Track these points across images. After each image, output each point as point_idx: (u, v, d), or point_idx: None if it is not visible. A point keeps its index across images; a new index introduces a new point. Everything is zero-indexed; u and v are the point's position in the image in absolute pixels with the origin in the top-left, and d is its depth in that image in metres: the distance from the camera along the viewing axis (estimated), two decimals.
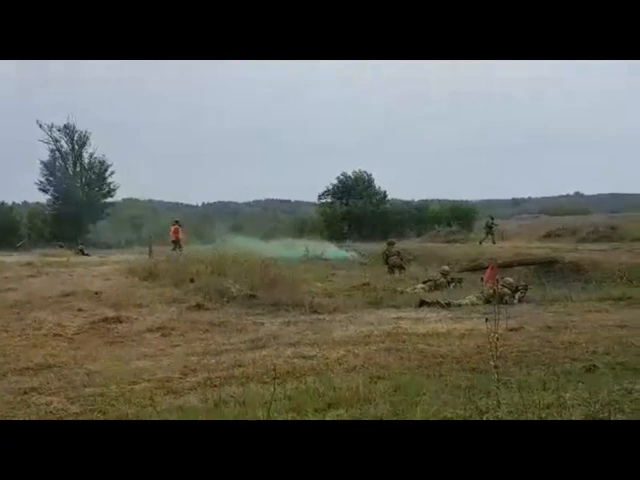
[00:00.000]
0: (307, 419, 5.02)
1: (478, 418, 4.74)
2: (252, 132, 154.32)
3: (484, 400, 5.25)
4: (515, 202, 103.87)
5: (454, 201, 55.74)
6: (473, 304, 12.53)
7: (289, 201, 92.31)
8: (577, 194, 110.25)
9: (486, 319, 5.77)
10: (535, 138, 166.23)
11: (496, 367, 5.10)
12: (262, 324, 10.45)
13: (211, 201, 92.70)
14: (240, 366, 7.25)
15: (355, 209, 49.77)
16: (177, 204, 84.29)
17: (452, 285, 16.76)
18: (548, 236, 34.29)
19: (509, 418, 4.66)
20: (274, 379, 6.50)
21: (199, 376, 6.85)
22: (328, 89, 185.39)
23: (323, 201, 55.69)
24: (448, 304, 12.50)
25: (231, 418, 5.03)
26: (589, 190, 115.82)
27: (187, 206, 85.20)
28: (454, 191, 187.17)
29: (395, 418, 4.88)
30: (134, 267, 18.82)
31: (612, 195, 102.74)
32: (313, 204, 60.23)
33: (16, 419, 5.41)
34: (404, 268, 21.67)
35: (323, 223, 49.75)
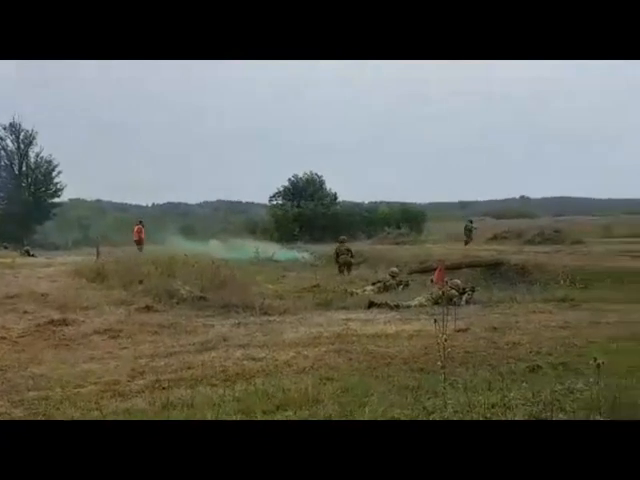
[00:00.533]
0: (256, 419, 5.00)
1: (425, 418, 4.79)
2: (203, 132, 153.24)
3: (431, 400, 5.31)
4: (463, 205, 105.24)
5: (403, 203, 56.17)
6: (421, 305, 12.66)
7: (240, 202, 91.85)
8: (523, 198, 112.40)
9: (434, 320, 5.84)
10: (484, 142, 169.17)
11: (443, 368, 5.17)
12: (212, 326, 10.37)
13: (161, 202, 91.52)
14: (189, 368, 7.18)
15: (306, 211, 49.80)
16: (126, 205, 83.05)
17: (400, 287, 16.94)
18: (495, 238, 34.85)
19: (455, 418, 4.72)
20: (223, 381, 6.48)
21: (147, 379, 6.76)
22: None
23: (274, 203, 55.64)
24: (397, 305, 12.60)
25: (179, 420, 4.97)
26: (535, 194, 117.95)
27: (136, 207, 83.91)
28: (403, 194, 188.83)
29: (343, 419, 4.89)
30: (81, 268, 18.49)
31: (557, 199, 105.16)
32: (264, 205, 60.11)
33: (16, 419, 5.32)
34: (352, 264, 21.84)
35: (274, 225, 49.65)
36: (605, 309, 11.60)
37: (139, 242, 26.81)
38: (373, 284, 16.82)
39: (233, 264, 18.71)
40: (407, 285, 17.20)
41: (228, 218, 53.99)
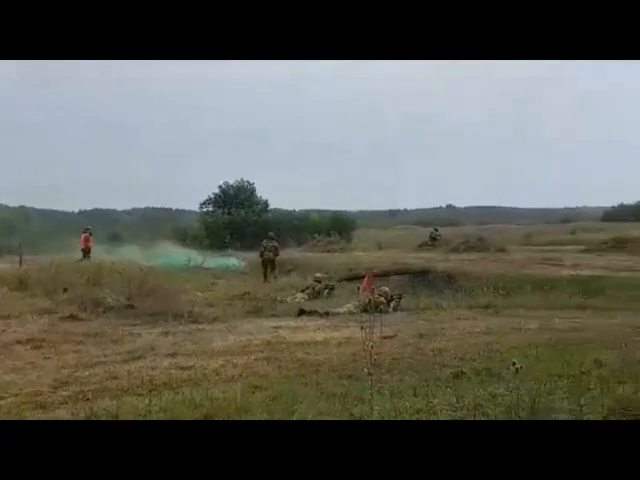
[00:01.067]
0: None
1: None
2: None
3: (358, 407, 5.33)
4: (392, 213, 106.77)
5: (334, 212, 56.48)
6: (350, 313, 12.73)
7: (170, 209, 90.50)
8: (449, 206, 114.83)
9: (361, 327, 5.88)
10: (413, 151, 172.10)
11: (370, 374, 5.20)
12: (139, 335, 10.17)
13: (88, 208, 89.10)
14: (114, 378, 7.01)
15: (237, 218, 49.45)
16: (52, 211, 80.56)
17: (325, 292, 17.12)
18: (422, 246, 35.43)
19: None
20: (150, 391, 6.36)
21: (70, 389, 6.57)
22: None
23: (205, 210, 55.07)
24: (326, 313, 12.66)
25: None
26: (460, 203, 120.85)
27: (62, 213, 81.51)
28: (333, 202, 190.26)
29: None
30: (3, 276, 17.79)
31: (481, 208, 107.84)
32: (194, 212, 59.39)
33: (16, 419, 5.19)
34: (275, 263, 21.87)
35: (204, 232, 49.11)
36: (526, 315, 11.94)
37: (85, 250, 26.06)
38: (302, 291, 16.93)
39: (162, 272, 18.46)
40: (332, 288, 17.46)
41: (158, 225, 53.07)
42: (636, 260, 21.40)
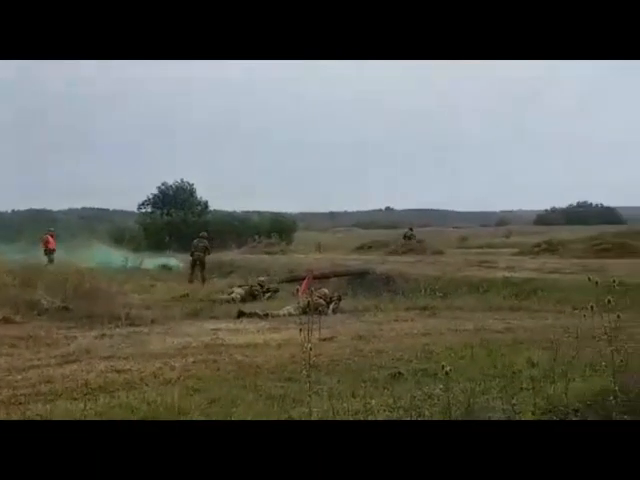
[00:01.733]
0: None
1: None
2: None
3: (297, 409, 5.35)
4: (332, 215, 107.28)
5: (274, 213, 56.44)
6: (290, 315, 12.73)
7: (107, 210, 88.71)
8: (388, 209, 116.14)
9: (300, 329, 5.88)
10: (355, 154, 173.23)
11: (308, 376, 5.20)
12: (74, 338, 9.95)
13: (22, 208, 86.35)
14: (48, 382, 6.84)
15: (176, 219, 48.83)
16: None
17: (267, 295, 17.12)
18: (361, 248, 35.65)
19: None
20: (84, 395, 6.22)
21: (2, 394, 6.38)
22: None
23: (143, 211, 54.23)
24: (266, 315, 12.64)
25: None
26: (399, 205, 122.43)
27: None
28: (275, 203, 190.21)
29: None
30: None
31: (418, 211, 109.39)
32: (133, 213, 58.42)
33: (16, 419, 5.07)
34: (205, 263, 21.75)
35: (142, 233, 48.33)
36: (462, 317, 12.18)
37: (49, 252, 25.33)
38: (239, 286, 16.93)
39: (99, 273, 18.08)
40: (276, 291, 17.50)
41: (95, 226, 51.98)
42: (566, 263, 22.01)
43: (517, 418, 4.60)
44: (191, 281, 21.24)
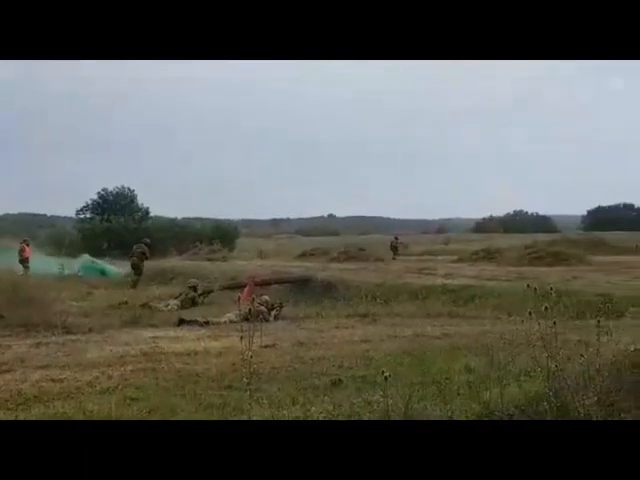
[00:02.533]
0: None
1: None
2: None
3: (237, 417, 5.31)
4: (274, 222, 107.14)
5: (216, 220, 55.96)
6: (231, 322, 12.63)
7: (45, 215, 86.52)
8: (331, 216, 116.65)
9: (241, 337, 5.84)
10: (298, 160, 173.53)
11: (249, 384, 5.18)
12: (9, 346, 9.66)
13: None
14: None
15: (116, 226, 47.97)
16: None
17: (202, 298, 17.20)
18: (303, 255, 35.71)
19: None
20: (18, 405, 6.06)
21: None
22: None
23: (82, 216, 53.09)
24: (207, 322, 12.53)
25: None
26: (341, 212, 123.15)
27: None
28: (219, 210, 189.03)
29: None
30: None
31: (360, 218, 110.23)
32: (71, 219, 57.11)
33: (16, 419, 4.97)
34: (142, 269, 21.50)
35: (81, 239, 47.27)
36: (401, 323, 12.31)
37: (24, 261, 24.57)
38: (176, 297, 16.81)
39: (34, 280, 17.60)
40: (210, 292, 17.79)
41: (31, 232, 50.53)
42: (502, 270, 22.52)
43: None
44: (133, 287, 21.02)
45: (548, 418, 4.41)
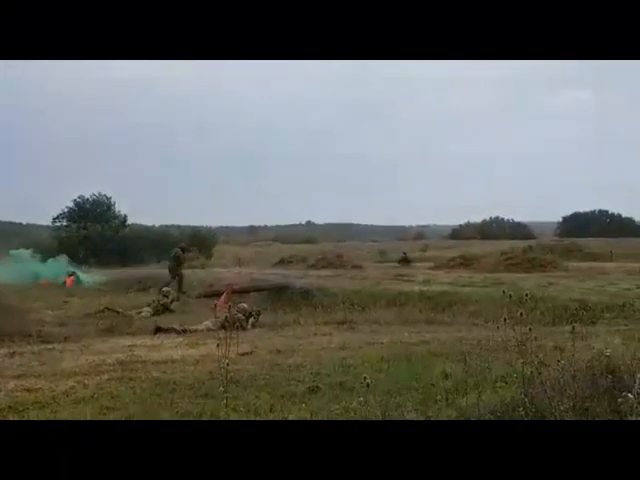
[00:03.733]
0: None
1: None
2: None
3: None
4: (252, 230, 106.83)
5: (194, 227, 55.67)
6: (209, 330, 12.54)
7: (20, 224, 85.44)
8: (309, 223, 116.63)
9: (217, 344, 5.81)
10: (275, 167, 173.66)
11: (225, 392, 5.15)
12: None
13: None
14: None
15: (93, 233, 47.51)
16: None
17: (173, 304, 17.41)
18: (281, 262, 35.68)
19: None
20: None
21: None
22: None
23: (58, 224, 52.48)
24: (184, 330, 12.44)
25: None
26: (319, 219, 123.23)
27: None
28: (195, 217, 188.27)
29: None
30: None
31: (338, 225, 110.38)
32: (47, 227, 56.41)
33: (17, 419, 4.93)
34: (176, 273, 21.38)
35: (57, 247, 46.74)
36: (379, 330, 12.32)
37: None
38: (148, 305, 16.79)
39: (8, 289, 17.41)
40: (179, 299, 17.97)
41: (6, 240, 49.89)
42: (479, 277, 22.68)
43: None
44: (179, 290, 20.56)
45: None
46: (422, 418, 5.07)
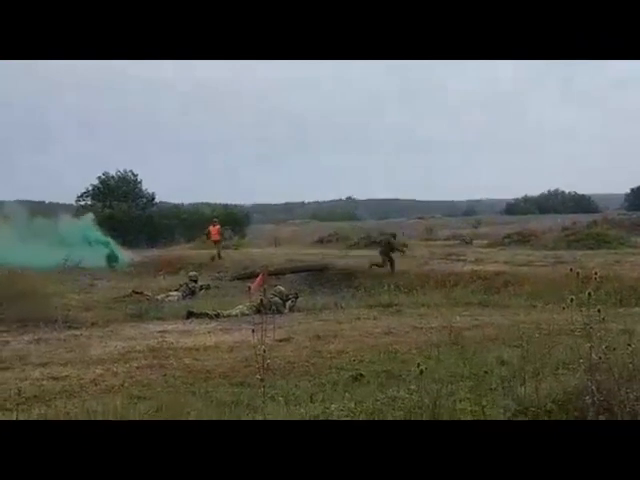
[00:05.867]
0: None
1: None
2: None
3: (250, 416, 5.31)
4: (288, 207, 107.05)
5: (226, 205, 55.81)
6: (243, 314, 12.66)
7: (43, 202, 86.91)
8: (349, 199, 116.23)
9: (253, 330, 5.85)
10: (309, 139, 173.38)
11: (262, 380, 5.18)
12: (6, 343, 9.80)
13: None
14: None
15: (119, 213, 47.96)
16: None
17: (201, 291, 17.69)
18: (320, 242, 35.56)
19: None
20: (17, 405, 6.09)
21: None
22: None
23: (82, 203, 53.08)
24: (217, 315, 12.55)
25: None
26: (361, 195, 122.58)
27: None
28: (227, 195, 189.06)
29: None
30: None
31: (381, 201, 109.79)
32: (71, 206, 57.14)
33: (16, 419, 4.96)
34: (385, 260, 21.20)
35: None
36: (427, 314, 12.24)
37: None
38: (176, 290, 17.08)
39: (34, 273, 17.74)
40: (208, 288, 18.14)
41: (32, 220, 50.76)
42: (538, 255, 22.31)
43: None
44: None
45: (590, 414, 4.37)
46: (475, 409, 5.03)
